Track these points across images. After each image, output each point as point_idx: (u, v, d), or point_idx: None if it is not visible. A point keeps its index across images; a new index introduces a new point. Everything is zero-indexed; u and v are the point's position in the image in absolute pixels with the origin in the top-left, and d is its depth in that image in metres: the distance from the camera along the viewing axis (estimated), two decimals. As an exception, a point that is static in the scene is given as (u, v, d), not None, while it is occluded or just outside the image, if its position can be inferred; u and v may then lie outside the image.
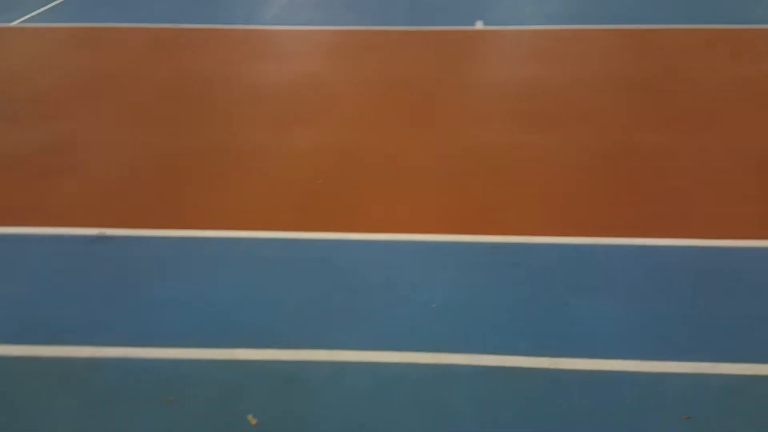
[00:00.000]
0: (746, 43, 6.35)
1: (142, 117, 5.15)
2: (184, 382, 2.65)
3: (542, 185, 4.13)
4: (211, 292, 3.17)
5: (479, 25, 6.92)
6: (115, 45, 6.77)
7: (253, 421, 2.47)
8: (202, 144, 4.69)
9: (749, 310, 3.04)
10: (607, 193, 4.04)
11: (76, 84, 5.77)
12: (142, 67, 6.18)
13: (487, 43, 6.82)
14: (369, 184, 4.15)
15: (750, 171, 4.19)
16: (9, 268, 3.36)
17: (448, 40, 6.75)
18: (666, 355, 2.78)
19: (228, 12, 7.76)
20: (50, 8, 8.04)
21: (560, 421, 2.46)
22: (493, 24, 6.94)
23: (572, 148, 4.60)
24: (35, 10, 7.88)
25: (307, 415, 2.50)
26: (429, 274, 3.30)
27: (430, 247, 3.53)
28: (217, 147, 4.64)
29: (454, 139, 4.74)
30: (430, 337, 2.88)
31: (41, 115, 5.14)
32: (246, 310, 3.04)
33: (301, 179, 4.20)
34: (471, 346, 2.82)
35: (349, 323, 2.97)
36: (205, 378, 2.67)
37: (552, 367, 2.71)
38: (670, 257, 3.44)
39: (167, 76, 5.96)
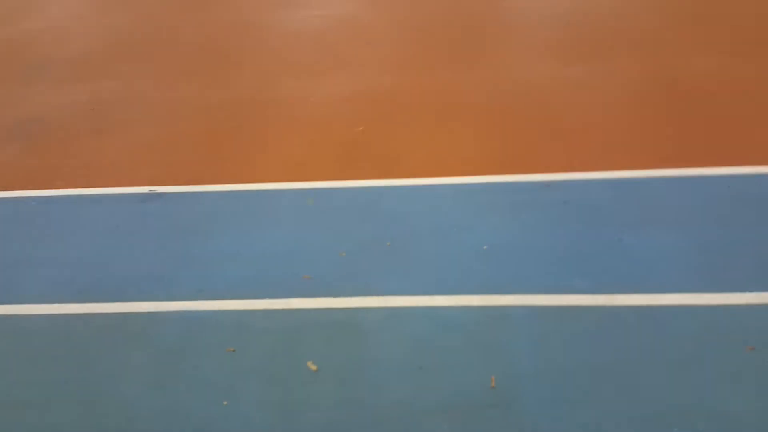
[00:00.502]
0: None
1: (181, 72, 5.16)
2: (243, 332, 2.72)
3: (590, 118, 4.01)
4: (262, 244, 3.21)
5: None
6: (151, 2, 6.74)
7: (314, 368, 2.53)
8: (243, 95, 4.68)
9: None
10: (658, 123, 3.90)
11: (116, 43, 5.79)
12: (178, 22, 6.16)
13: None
14: (412, 127, 4.09)
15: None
16: (66, 229, 3.46)
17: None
18: (726, 286, 2.71)
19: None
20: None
21: (619, 358, 2.44)
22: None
23: (620, 77, 4.44)
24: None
25: (365, 359, 2.55)
26: (478, 217, 3.27)
27: (477, 189, 3.49)
28: (257, 98, 4.63)
29: (497, 75, 4.61)
30: (482, 279, 2.87)
31: (83, 76, 5.20)
32: (297, 261, 3.08)
33: (343, 126, 4.17)
34: (524, 286, 2.81)
35: (400, 269, 2.98)
36: (264, 328, 2.74)
37: (609, 303, 2.68)
38: (727, 186, 3.32)
39: (204, 30, 5.93)
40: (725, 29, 4.99)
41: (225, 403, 2.41)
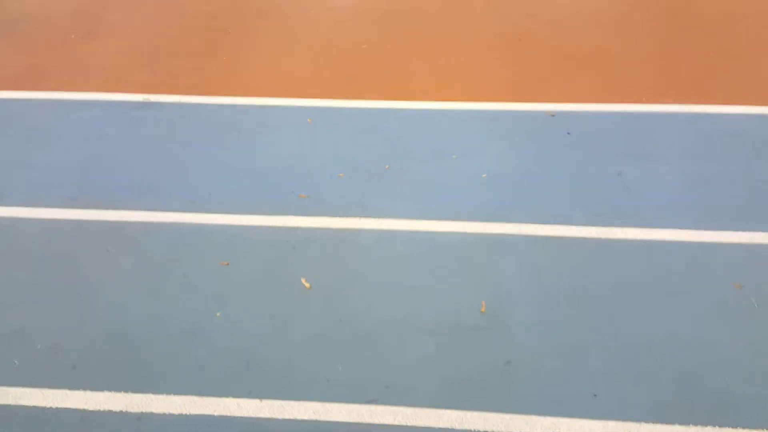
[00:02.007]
0: None
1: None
2: (237, 246, 2.71)
3: (597, 49, 3.91)
4: (259, 159, 3.16)
5: None
6: None
7: (307, 285, 2.54)
8: (241, 3, 4.50)
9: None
10: (665, 58, 3.81)
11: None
12: None
13: None
14: (417, 49, 3.98)
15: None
16: (56, 133, 3.38)
17: None
18: (719, 224, 2.72)
19: None
20: None
21: (608, 288, 2.47)
22: None
23: (629, 8, 4.30)
24: None
25: (358, 278, 2.56)
26: (479, 144, 3.22)
27: (480, 116, 3.42)
28: (257, 7, 4.45)
29: (505, 1, 4.46)
30: (479, 206, 2.85)
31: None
32: (294, 178, 3.04)
33: (346, 43, 4.04)
34: (520, 215, 2.80)
35: (398, 192, 2.95)
36: (258, 242, 2.73)
37: (602, 236, 2.68)
38: (728, 124, 3.29)
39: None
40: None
41: (218, 314, 2.43)
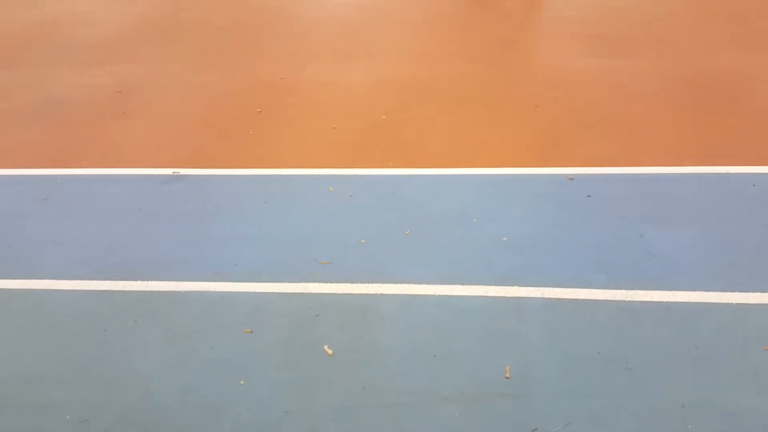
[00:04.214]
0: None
1: (205, 56, 5.19)
2: (261, 314, 2.74)
3: (616, 113, 3.98)
4: (282, 229, 3.23)
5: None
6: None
7: (329, 351, 2.55)
8: (266, 80, 4.70)
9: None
10: (684, 121, 3.86)
11: (139, 27, 5.83)
12: (201, 6, 6.19)
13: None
14: (434, 116, 4.09)
15: None
16: (89, 208, 3.50)
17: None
18: (746, 286, 2.68)
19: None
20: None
21: (633, 352, 2.43)
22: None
23: (648, 73, 4.39)
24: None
25: (381, 345, 2.56)
26: (499, 208, 3.26)
27: (499, 180, 3.48)
28: (280, 83, 4.64)
29: (523, 67, 4.59)
30: (500, 270, 2.86)
31: (107, 59, 5.25)
32: (316, 246, 3.09)
33: (365, 113, 4.17)
34: (542, 279, 2.80)
35: (419, 257, 2.98)
36: (281, 310, 2.76)
37: (626, 299, 2.66)
38: (748, 185, 3.28)
39: (227, 15, 5.95)
40: (755, 28, 4.91)
41: (241, 382, 2.44)
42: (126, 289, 2.93)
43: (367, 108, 4.23)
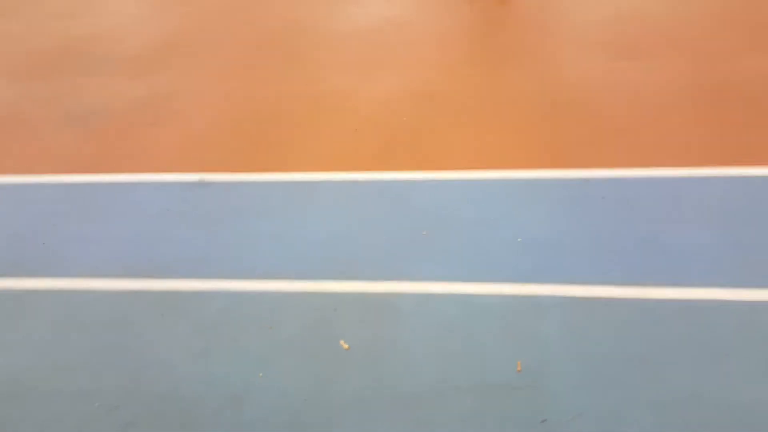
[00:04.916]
0: None
1: (233, 67, 5.35)
2: (281, 310, 2.84)
3: (633, 117, 4.01)
4: (302, 230, 3.33)
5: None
6: (205, 2, 6.99)
7: (346, 346, 2.63)
8: (292, 90, 4.84)
9: None
10: (701, 123, 3.87)
11: (170, 40, 6.04)
12: (230, 20, 6.38)
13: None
14: (454, 123, 4.17)
15: None
16: (120, 211, 3.65)
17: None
18: (758, 283, 2.70)
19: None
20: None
21: (647, 349, 2.46)
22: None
23: (665, 78, 4.42)
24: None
25: (397, 341, 2.63)
26: (515, 210, 3.32)
27: (516, 183, 3.54)
28: (306, 92, 4.77)
29: (542, 75, 4.65)
30: (515, 269, 2.92)
31: (140, 71, 5.44)
32: (336, 246, 3.19)
33: (388, 121, 4.27)
34: (556, 277, 2.85)
35: (436, 257, 3.05)
36: (300, 307, 2.85)
37: (641, 296, 2.70)
38: (762, 186, 3.29)
39: (255, 28, 6.13)
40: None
41: (260, 374, 2.53)
42: (152, 286, 3.06)
43: (390, 115, 4.34)
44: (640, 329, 2.56)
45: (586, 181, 3.48)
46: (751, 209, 3.15)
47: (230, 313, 2.86)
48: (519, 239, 3.10)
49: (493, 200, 3.42)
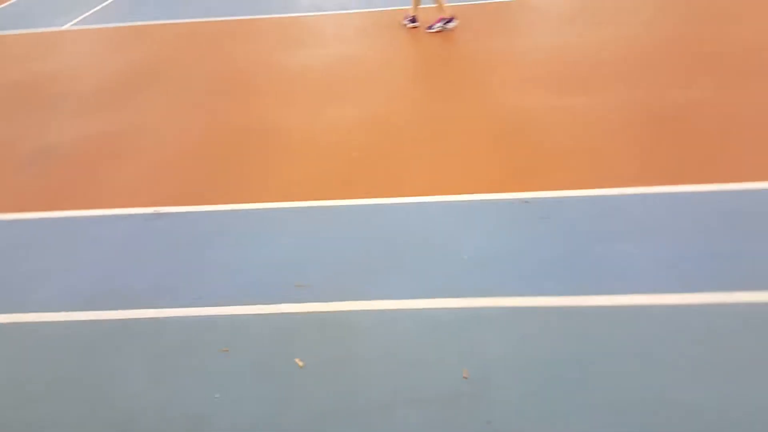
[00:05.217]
0: None
1: (190, 104, 5.48)
2: (237, 334, 2.92)
3: (572, 144, 4.25)
4: (258, 257, 3.43)
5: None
6: (161, 40, 7.14)
7: (300, 364, 2.72)
8: (248, 125, 4.98)
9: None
10: (636, 147, 4.13)
11: (129, 78, 6.15)
12: (187, 58, 6.53)
13: (514, 13, 6.90)
14: (405, 152, 4.35)
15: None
16: (78, 245, 3.70)
17: (475, 12, 6.87)
18: (687, 288, 2.89)
19: (265, 3, 8.08)
20: (98, 10, 8.50)
21: (585, 352, 2.62)
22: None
23: (602, 108, 4.69)
24: (85, 13, 8.36)
25: (351, 356, 2.74)
26: (461, 230, 3.48)
27: (462, 206, 3.71)
28: (261, 127, 4.92)
29: (486, 106, 4.89)
30: (462, 285, 3.07)
31: (99, 107, 5.53)
32: (291, 271, 3.29)
33: (341, 151, 4.43)
34: (500, 290, 3.00)
35: (388, 277, 3.18)
36: (256, 330, 2.94)
37: (576, 304, 2.86)
38: (695, 202, 3.53)
39: (211, 66, 6.28)
40: (704, 64, 5.25)
41: (216, 396, 2.60)
42: (111, 317, 3.11)
43: (342, 146, 4.50)
44: (577, 335, 2.71)
45: (526, 202, 3.67)
46: (676, 223, 3.37)
47: (187, 339, 2.93)
48: (465, 257, 3.25)
49: (441, 222, 3.58)
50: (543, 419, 2.36)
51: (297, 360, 2.74)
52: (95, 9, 8.63)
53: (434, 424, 2.38)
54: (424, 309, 2.95)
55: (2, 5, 9.42)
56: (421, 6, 6.69)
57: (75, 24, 8.04)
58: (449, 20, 6.50)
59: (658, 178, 3.74)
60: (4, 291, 3.37)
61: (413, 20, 6.71)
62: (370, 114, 4.95)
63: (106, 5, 8.79)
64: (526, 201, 3.65)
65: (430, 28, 6.53)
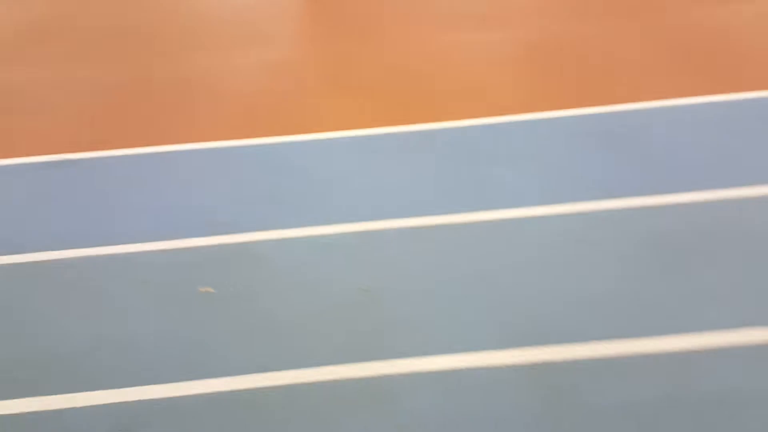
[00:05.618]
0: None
1: (93, 54, 5.40)
2: (149, 268, 3.06)
3: (474, 78, 4.51)
4: (169, 198, 3.54)
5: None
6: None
7: (211, 290, 2.90)
8: (155, 72, 4.98)
9: (648, 157, 3.48)
10: (533, 79, 4.42)
11: (25, 29, 5.95)
12: (89, 6, 6.37)
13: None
14: (312, 90, 4.51)
15: (663, 49, 4.60)
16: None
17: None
18: (564, 198, 3.21)
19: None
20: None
21: (473, 261, 2.91)
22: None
23: (503, 43, 4.97)
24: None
25: (256, 279, 2.93)
26: (363, 163, 3.69)
27: (364, 140, 3.92)
28: (168, 72, 4.94)
29: (393, 45, 5.08)
30: (363, 211, 3.29)
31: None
32: (201, 209, 3.43)
33: (250, 93, 4.53)
34: (399, 213, 3.24)
35: (294, 207, 3.37)
36: (169, 262, 3.09)
37: (465, 221, 3.14)
38: (582, 123, 3.86)
39: (115, 15, 6.16)
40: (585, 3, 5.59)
41: (132, 322, 2.76)
42: (25, 260, 3.18)
43: (251, 88, 4.60)
44: (465, 246, 3.00)
45: (428, 133, 3.91)
46: (558, 146, 3.69)
47: (103, 275, 3.05)
48: (365, 186, 3.47)
49: (345, 156, 3.78)
50: (435, 313, 2.65)
51: (208, 288, 2.91)
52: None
53: (334, 329, 2.63)
54: (325, 234, 3.16)
55: None
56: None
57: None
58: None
59: (539, 106, 4.05)
60: None
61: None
62: (279, 56, 5.05)
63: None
64: (430, 131, 3.89)
65: None
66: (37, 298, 2.94)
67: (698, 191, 3.22)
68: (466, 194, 3.34)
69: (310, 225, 3.23)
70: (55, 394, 2.46)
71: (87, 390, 2.46)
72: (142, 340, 2.67)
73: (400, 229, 3.13)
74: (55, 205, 3.56)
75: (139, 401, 2.41)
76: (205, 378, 2.48)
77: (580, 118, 3.89)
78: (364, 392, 2.37)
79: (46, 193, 3.66)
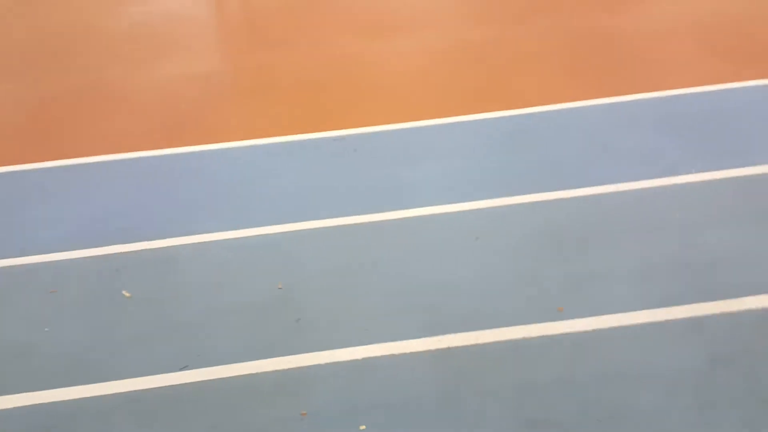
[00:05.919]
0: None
1: (12, 68, 5.33)
2: (66, 276, 3.08)
3: (386, 85, 4.70)
4: (85, 209, 3.56)
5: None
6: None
7: (127, 294, 2.94)
8: (74, 85, 4.96)
9: (544, 157, 3.74)
10: (441, 85, 4.64)
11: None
12: (5, 19, 6.25)
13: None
14: (231, 100, 4.59)
15: (564, 49, 4.95)
16: None
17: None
18: (464, 198, 3.42)
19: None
20: None
21: (380, 253, 3.07)
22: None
23: (415, 50, 5.18)
24: None
25: (172, 282, 3.00)
26: (281, 168, 3.81)
27: (281, 147, 4.04)
28: (86, 86, 4.92)
29: (310, 55, 5.22)
30: (279, 214, 3.40)
31: None
32: (117, 217, 3.47)
33: (168, 106, 4.58)
34: (313, 215, 3.37)
35: (213, 213, 3.45)
36: (83, 271, 3.11)
37: (375, 220, 3.31)
38: (486, 126, 4.10)
39: (29, 29, 6.06)
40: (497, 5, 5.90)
41: (46, 329, 2.77)
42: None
43: (169, 101, 4.64)
44: (375, 245, 3.16)
45: (342, 138, 4.06)
46: (471, 144, 3.91)
47: (14, 284, 3.04)
48: (283, 190, 3.59)
49: (264, 162, 3.89)
50: (345, 308, 2.79)
51: (124, 292, 2.96)
52: None
53: (250, 326, 2.73)
54: (241, 237, 3.26)
55: None
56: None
57: None
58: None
59: (452, 110, 4.28)
60: None
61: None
62: (195, 68, 5.10)
63: None
64: (342, 138, 4.04)
65: None
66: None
67: (588, 187, 3.49)
68: (374, 195, 3.50)
69: (225, 229, 3.32)
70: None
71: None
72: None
73: (312, 229, 3.27)
74: (-35, 218, 3.52)
75: (53, 402, 2.45)
76: (121, 378, 2.54)
77: (483, 121, 4.13)
78: (278, 384, 2.48)
79: (-45, 207, 3.61)
